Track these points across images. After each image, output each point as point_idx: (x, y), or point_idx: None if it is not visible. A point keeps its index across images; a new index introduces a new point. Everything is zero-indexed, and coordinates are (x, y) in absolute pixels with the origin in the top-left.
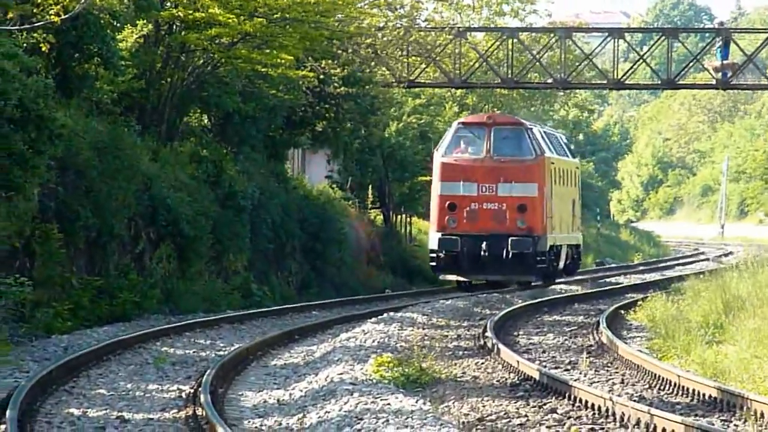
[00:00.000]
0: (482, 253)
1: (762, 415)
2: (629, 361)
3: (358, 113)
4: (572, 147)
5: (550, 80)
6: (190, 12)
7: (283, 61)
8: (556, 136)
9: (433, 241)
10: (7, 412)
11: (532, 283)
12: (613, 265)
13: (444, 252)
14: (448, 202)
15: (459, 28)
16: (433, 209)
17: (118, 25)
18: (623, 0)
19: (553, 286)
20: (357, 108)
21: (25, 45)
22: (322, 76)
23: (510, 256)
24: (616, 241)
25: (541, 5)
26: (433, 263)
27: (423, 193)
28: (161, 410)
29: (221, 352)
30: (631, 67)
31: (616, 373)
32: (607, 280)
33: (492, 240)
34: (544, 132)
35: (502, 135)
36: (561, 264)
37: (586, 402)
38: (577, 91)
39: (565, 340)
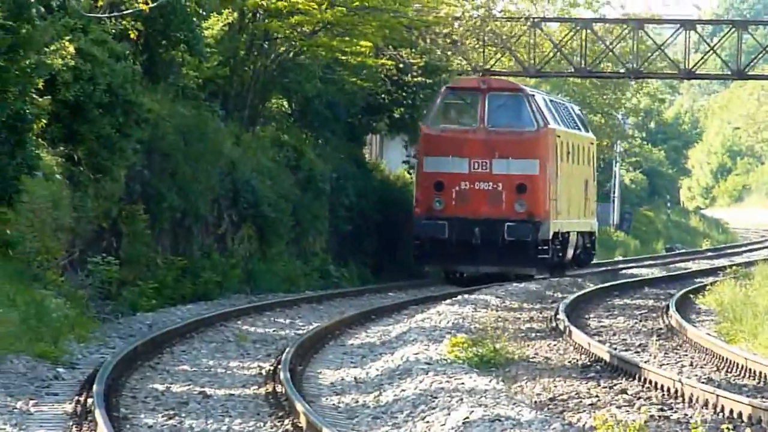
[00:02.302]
0: (474, 240)
1: None
2: (698, 344)
3: None
4: (587, 120)
5: (622, 70)
6: (274, 1)
7: (362, 49)
8: (565, 106)
9: (416, 225)
10: (94, 387)
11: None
12: (682, 250)
13: (429, 239)
14: (434, 181)
15: (534, 18)
16: (417, 189)
17: (204, 13)
18: None
19: (623, 271)
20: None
21: (114, 32)
22: (401, 65)
23: (507, 244)
24: (685, 228)
25: None
26: (416, 252)
27: None
28: (242, 386)
29: (300, 331)
30: (702, 58)
31: (685, 355)
32: (677, 265)
33: (486, 225)
34: (550, 100)
35: (498, 102)
36: (569, 254)
37: (656, 383)
38: (649, 80)
39: (635, 323)
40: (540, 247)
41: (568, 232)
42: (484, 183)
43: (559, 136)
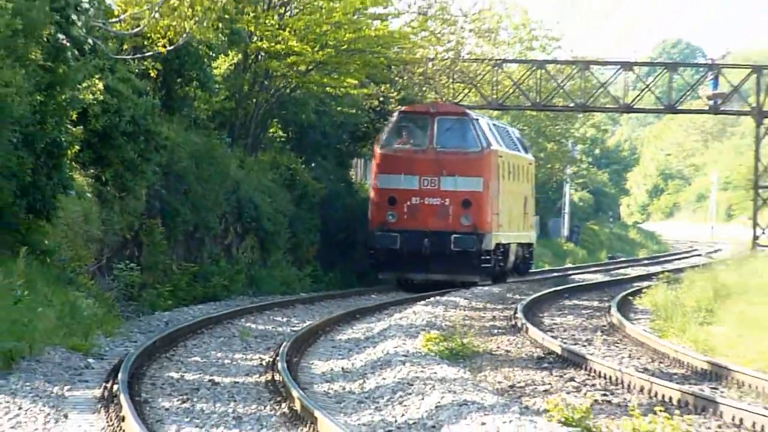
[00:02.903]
0: (424, 250)
1: (743, 383)
2: (635, 339)
3: None
4: (526, 142)
5: (571, 104)
6: (273, 44)
7: (348, 84)
8: (506, 129)
9: (371, 237)
10: (119, 375)
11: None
12: (622, 259)
13: (383, 249)
14: (387, 196)
15: (496, 60)
16: (372, 203)
17: (214, 54)
18: (633, 39)
19: (572, 276)
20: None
21: (136, 71)
22: (381, 98)
23: (453, 254)
24: (625, 239)
25: (565, 42)
26: (372, 261)
27: None
28: (245, 375)
29: (295, 328)
30: (639, 95)
31: (625, 348)
32: (618, 271)
33: (434, 237)
34: (493, 124)
35: (446, 125)
36: (510, 263)
37: (600, 372)
38: (594, 113)
39: (582, 321)
40: (483, 257)
41: (509, 244)
42: (433, 198)
43: (501, 157)
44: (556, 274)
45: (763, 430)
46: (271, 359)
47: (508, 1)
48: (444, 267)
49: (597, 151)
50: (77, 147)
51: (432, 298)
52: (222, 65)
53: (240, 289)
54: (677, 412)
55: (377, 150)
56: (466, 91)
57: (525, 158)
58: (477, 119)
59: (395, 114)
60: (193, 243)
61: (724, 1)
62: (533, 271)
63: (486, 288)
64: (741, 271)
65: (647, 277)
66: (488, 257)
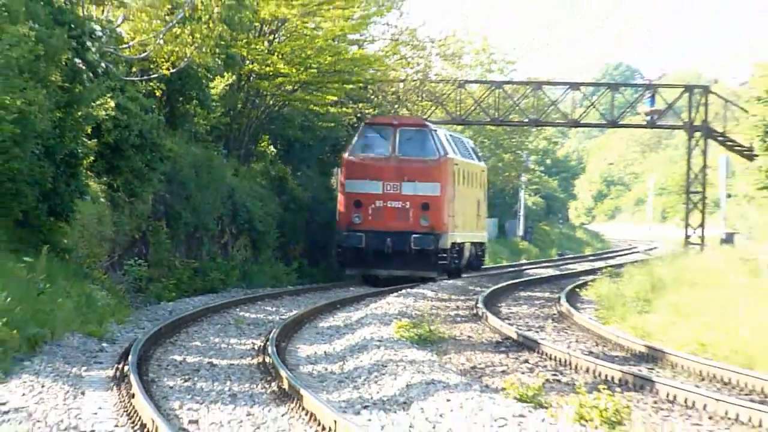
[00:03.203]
0: (386, 249)
1: (676, 364)
2: (581, 326)
3: None
4: (479, 152)
5: (526, 120)
6: (263, 67)
7: (329, 101)
8: (462, 140)
9: (339, 237)
10: (129, 357)
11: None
12: (570, 255)
13: (350, 247)
14: (354, 200)
15: (460, 81)
16: (340, 206)
17: (211, 76)
18: (581, 62)
19: (527, 271)
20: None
21: (143, 91)
22: (358, 115)
23: (413, 252)
24: (573, 238)
25: (520, 65)
26: (340, 258)
27: None
28: (240, 358)
29: (283, 317)
30: (585, 111)
31: (572, 334)
32: (567, 266)
33: (396, 237)
34: (450, 135)
35: (407, 136)
36: (464, 261)
37: (550, 355)
38: (545, 128)
39: (535, 310)
40: (440, 255)
41: (463, 243)
42: (394, 202)
43: (456, 164)
44: (512, 269)
45: (694, 405)
46: (262, 344)
47: (470, 29)
48: (405, 264)
49: (548, 161)
50: (92, 158)
51: (403, 291)
52: (218, 85)
53: (235, 282)
54: (618, 389)
55: (345, 157)
56: (434, 108)
57: (478, 166)
58: (435, 130)
59: (362, 125)
60: (194, 242)
61: (662, 28)
62: (493, 266)
63: (450, 282)
64: (674, 266)
65: (592, 271)
66: (444, 255)
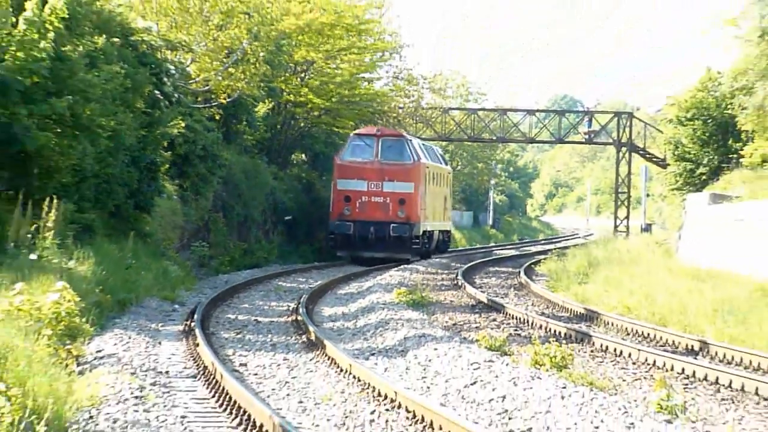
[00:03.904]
0: (370, 235)
1: (608, 323)
2: (536, 293)
3: None
4: (446, 158)
5: (494, 137)
6: (296, 97)
7: (345, 125)
8: (432, 148)
9: (331, 225)
10: (195, 316)
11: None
12: (527, 240)
13: (340, 234)
14: (344, 195)
15: (444, 108)
16: (332, 201)
17: (256, 103)
18: (534, 92)
19: (495, 252)
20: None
21: (206, 115)
22: None
23: (391, 238)
24: (529, 227)
25: (492, 95)
26: (332, 243)
27: None
28: (278, 317)
29: (311, 285)
30: (539, 131)
31: (529, 300)
32: (525, 248)
33: (378, 226)
34: (422, 144)
35: (387, 144)
36: (433, 245)
37: (513, 315)
38: (509, 144)
39: (501, 281)
40: (413, 240)
41: (433, 231)
42: (377, 197)
43: (427, 167)
44: (483, 249)
45: (622, 353)
46: (295, 306)
47: (453, 70)
48: (385, 247)
49: (511, 169)
50: (167, 165)
51: (401, 266)
52: (262, 110)
53: (274, 259)
54: (564, 341)
55: (337, 161)
56: (424, 128)
57: (445, 169)
58: (411, 140)
59: (351, 135)
60: (243, 229)
61: (600, 68)
62: (469, 247)
63: (437, 260)
64: (606, 248)
65: (544, 252)
66: (417, 240)
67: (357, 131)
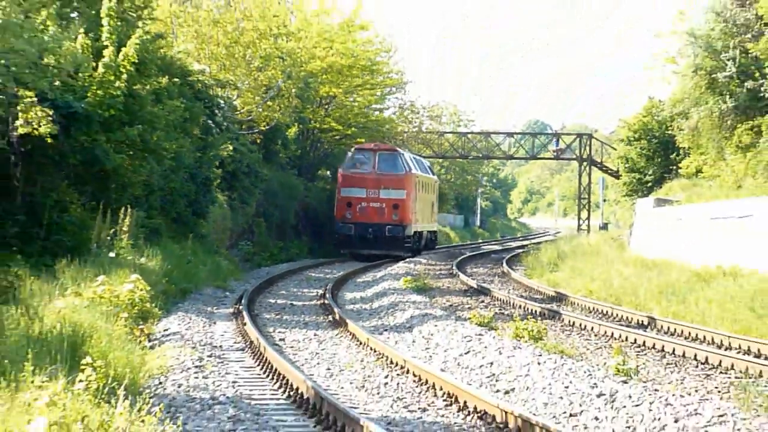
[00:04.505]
0: (369, 235)
1: (574, 303)
2: (516, 280)
3: None
4: (434, 169)
5: (480, 155)
6: (321, 125)
7: None
8: (421, 161)
9: (336, 227)
10: (242, 301)
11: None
12: (508, 237)
13: (343, 234)
14: (346, 201)
15: (440, 132)
16: (337, 205)
17: (289, 128)
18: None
19: (483, 247)
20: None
21: (249, 139)
22: None
23: (386, 238)
24: (509, 227)
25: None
26: (335, 242)
27: None
28: (309, 300)
29: (335, 275)
30: (516, 149)
31: (510, 285)
32: (507, 244)
33: (375, 227)
34: (413, 157)
35: (383, 157)
36: (422, 243)
37: (498, 297)
38: (492, 160)
39: (487, 270)
40: (406, 240)
41: (422, 231)
42: (375, 203)
43: (417, 177)
44: (473, 246)
45: (586, 327)
46: (323, 292)
47: (447, 101)
48: (381, 246)
49: (494, 180)
50: (218, 180)
51: (407, 259)
52: (293, 133)
53: (305, 255)
54: (539, 318)
55: (340, 172)
56: (424, 148)
57: (432, 178)
58: (403, 154)
59: (352, 150)
60: (281, 231)
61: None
62: (461, 243)
63: (436, 253)
64: (571, 243)
65: (522, 247)
66: (409, 240)
67: (357, 146)
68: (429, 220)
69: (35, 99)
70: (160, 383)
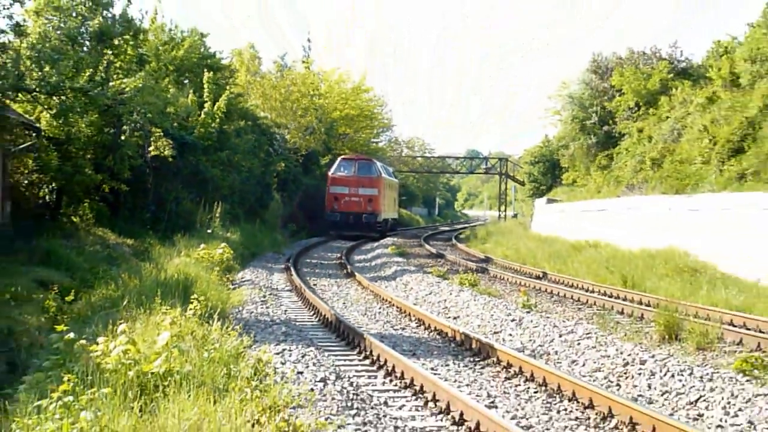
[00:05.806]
0: (350, 221)
1: (496, 263)
2: (460, 248)
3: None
4: (396, 174)
5: (438, 171)
6: (340, 151)
7: None
8: (387, 168)
9: (326, 215)
10: (290, 260)
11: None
12: (455, 222)
13: (332, 221)
14: (334, 196)
15: (413, 155)
16: (327, 200)
17: (320, 153)
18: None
19: (440, 228)
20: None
21: (294, 161)
22: None
23: (363, 223)
24: (457, 216)
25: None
26: (327, 226)
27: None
28: (332, 260)
29: (348, 245)
30: (461, 166)
31: (457, 252)
32: (455, 227)
33: (355, 215)
34: (382, 165)
35: (361, 165)
36: (388, 227)
37: (450, 259)
38: (446, 174)
39: (441, 243)
40: (378, 224)
41: (387, 218)
42: (355, 198)
43: (385, 180)
44: (432, 227)
45: (505, 279)
46: (340, 255)
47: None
48: (359, 228)
49: (447, 186)
50: (275, 185)
51: (393, 236)
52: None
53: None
54: (475, 272)
55: (329, 175)
56: (403, 166)
57: (395, 181)
58: (376, 162)
59: (339, 159)
60: (314, 217)
61: (499, 127)
62: (425, 225)
63: (412, 231)
64: (495, 226)
65: (464, 229)
66: (379, 224)
67: (343, 156)
68: (392, 211)
69: (162, 133)
70: (239, 311)
